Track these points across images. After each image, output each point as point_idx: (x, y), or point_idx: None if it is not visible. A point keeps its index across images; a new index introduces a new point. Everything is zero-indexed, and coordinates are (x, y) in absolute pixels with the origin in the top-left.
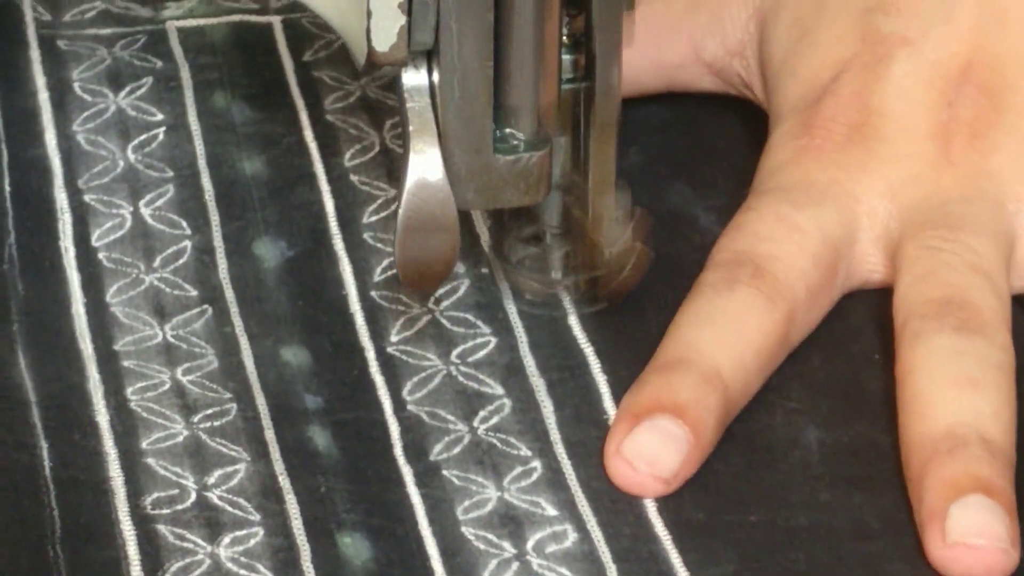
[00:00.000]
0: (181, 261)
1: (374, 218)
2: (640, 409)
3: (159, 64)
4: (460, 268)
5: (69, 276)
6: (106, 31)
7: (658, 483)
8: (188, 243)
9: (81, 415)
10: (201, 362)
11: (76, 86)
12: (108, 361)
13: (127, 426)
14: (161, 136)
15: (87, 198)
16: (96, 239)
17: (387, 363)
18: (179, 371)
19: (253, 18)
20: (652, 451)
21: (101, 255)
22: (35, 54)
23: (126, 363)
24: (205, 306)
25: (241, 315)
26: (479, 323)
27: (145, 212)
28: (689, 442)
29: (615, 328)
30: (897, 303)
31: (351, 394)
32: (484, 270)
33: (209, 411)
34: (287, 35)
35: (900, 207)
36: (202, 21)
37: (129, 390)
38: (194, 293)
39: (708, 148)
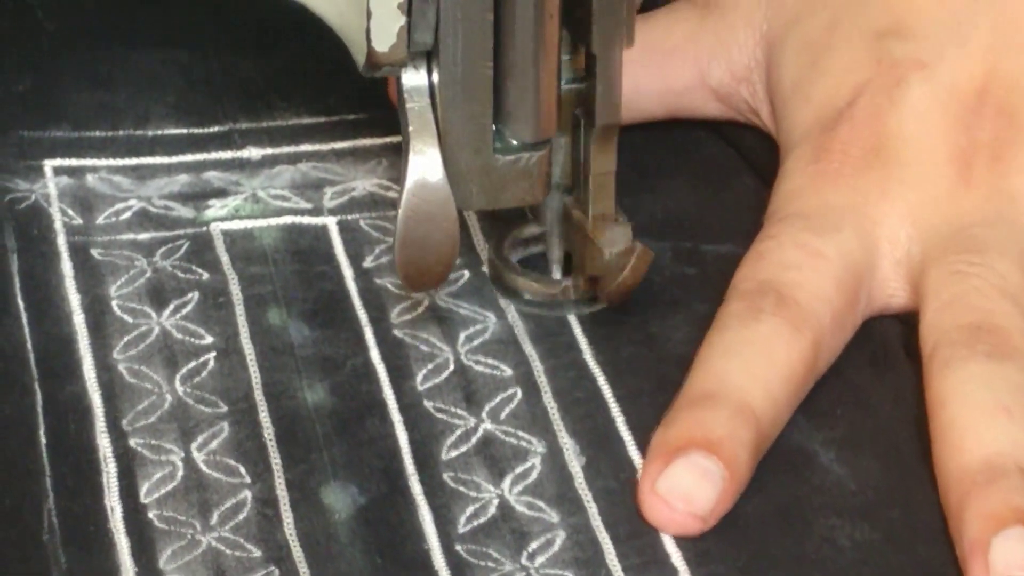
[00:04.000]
0: (241, 516)
1: (454, 453)
2: (672, 446)
3: (205, 276)
4: (553, 517)
5: (117, 542)
6: (144, 236)
7: (695, 520)
8: (248, 493)
9: None
10: None
11: (114, 304)
12: None
13: None
14: (211, 363)
15: (133, 443)
16: (145, 494)
17: None
18: None
19: (306, 220)
20: (687, 488)
21: (151, 513)
22: (67, 267)
23: None
24: (271, 567)
25: None
26: None
27: (198, 457)
28: (724, 478)
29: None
30: (924, 330)
31: None
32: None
33: None
34: (344, 238)
35: (921, 231)
36: (250, 223)
37: None
38: (258, 554)
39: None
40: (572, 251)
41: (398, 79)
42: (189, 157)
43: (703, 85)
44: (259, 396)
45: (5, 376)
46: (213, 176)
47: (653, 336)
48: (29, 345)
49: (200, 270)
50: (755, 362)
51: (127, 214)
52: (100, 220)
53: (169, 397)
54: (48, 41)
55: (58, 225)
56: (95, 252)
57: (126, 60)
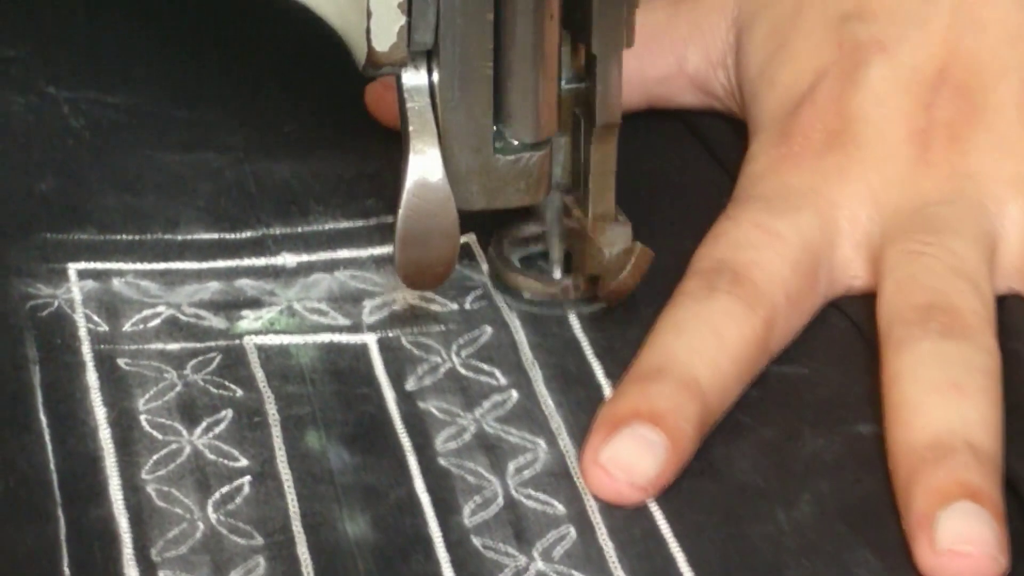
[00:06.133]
0: None
1: None
2: (618, 417)
3: (239, 393)
4: None
5: None
6: (174, 346)
7: (635, 491)
8: None
9: None
10: None
11: (143, 419)
12: None
13: None
14: (246, 488)
15: None
16: None
17: None
18: None
19: (344, 338)
20: (629, 458)
21: None
22: (92, 378)
23: None
24: None
25: None
26: None
27: None
28: (667, 449)
29: None
30: (880, 309)
31: None
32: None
33: None
34: (385, 358)
35: (880, 212)
36: (286, 339)
37: None
38: None
39: (886, 501)
40: (572, 251)
41: (398, 79)
42: (220, 263)
43: (681, 72)
44: (297, 527)
45: (27, 502)
46: (246, 284)
47: None
48: (52, 465)
49: (234, 386)
50: (705, 338)
51: (155, 321)
52: (127, 327)
53: (201, 525)
54: (75, 140)
55: (83, 332)
56: (122, 362)
57: (154, 162)
